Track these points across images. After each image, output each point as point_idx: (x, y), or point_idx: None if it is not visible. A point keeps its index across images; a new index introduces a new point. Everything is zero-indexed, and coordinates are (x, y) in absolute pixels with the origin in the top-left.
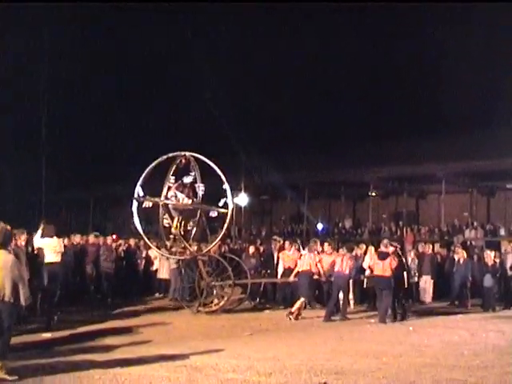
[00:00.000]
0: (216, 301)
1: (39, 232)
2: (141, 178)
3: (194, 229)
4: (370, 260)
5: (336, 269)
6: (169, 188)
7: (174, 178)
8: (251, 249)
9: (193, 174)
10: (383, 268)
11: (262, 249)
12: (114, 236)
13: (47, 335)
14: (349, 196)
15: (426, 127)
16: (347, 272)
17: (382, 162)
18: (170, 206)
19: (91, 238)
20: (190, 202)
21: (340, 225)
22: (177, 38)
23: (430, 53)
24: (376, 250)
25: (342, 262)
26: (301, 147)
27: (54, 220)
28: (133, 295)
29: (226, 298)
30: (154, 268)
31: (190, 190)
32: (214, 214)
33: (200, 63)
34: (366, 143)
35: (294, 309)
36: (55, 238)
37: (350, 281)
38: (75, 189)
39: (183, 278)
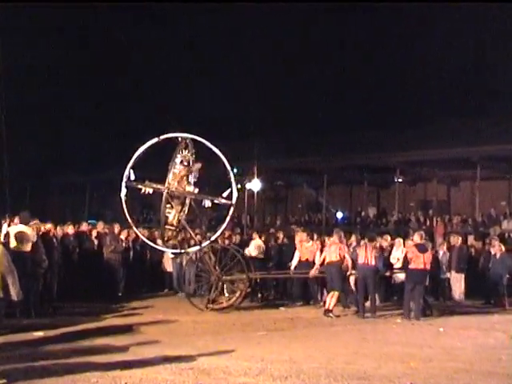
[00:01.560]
0: (226, 297)
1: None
2: (131, 160)
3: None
4: (405, 253)
5: (361, 261)
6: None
7: (180, 161)
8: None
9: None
10: (424, 261)
11: (280, 239)
12: (118, 225)
13: (39, 334)
14: (372, 182)
15: (458, 107)
16: (374, 263)
17: (409, 145)
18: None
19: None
20: (195, 190)
21: (362, 214)
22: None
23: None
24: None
25: (366, 253)
26: (319, 129)
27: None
28: (135, 290)
29: (237, 294)
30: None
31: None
32: (208, 203)
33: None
34: (390, 124)
35: (331, 306)
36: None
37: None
38: (69, 172)
39: (189, 271)
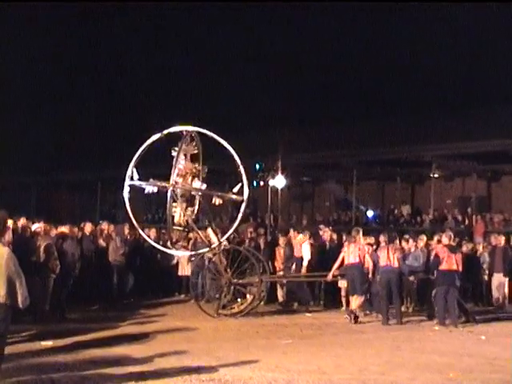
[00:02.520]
0: (239, 301)
1: None
2: (134, 158)
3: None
4: (434, 254)
5: (383, 263)
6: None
7: (184, 157)
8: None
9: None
10: (456, 262)
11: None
12: (127, 225)
13: (48, 343)
14: (406, 178)
15: (498, 95)
16: (397, 265)
17: (446, 137)
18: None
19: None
20: (203, 186)
21: (395, 212)
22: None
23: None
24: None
25: (388, 254)
26: (347, 120)
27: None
28: (150, 295)
29: (250, 299)
30: (175, 263)
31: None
32: (218, 201)
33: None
34: (425, 114)
35: (354, 306)
36: None
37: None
38: (79, 169)
39: (204, 275)
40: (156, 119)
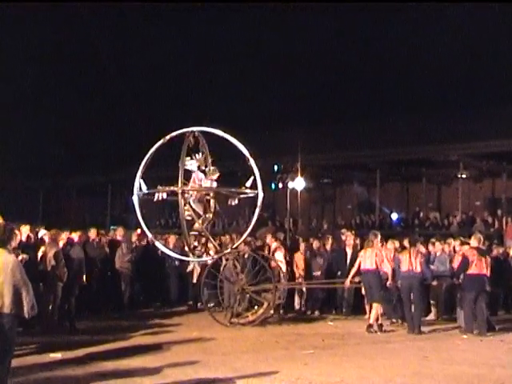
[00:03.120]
0: (254, 309)
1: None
2: (140, 168)
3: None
4: (462, 257)
5: (404, 268)
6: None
7: (189, 158)
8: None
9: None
10: (486, 266)
11: (329, 245)
12: (139, 231)
13: (57, 355)
14: (432, 178)
15: None
16: (419, 270)
17: (474, 136)
18: (191, 196)
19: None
20: (212, 184)
21: (421, 215)
22: None
23: None
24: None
25: (410, 259)
26: (371, 119)
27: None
28: (163, 304)
29: (264, 306)
30: (188, 270)
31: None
32: (234, 201)
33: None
34: (452, 112)
35: (371, 320)
36: None
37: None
38: (88, 172)
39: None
40: (169, 118)
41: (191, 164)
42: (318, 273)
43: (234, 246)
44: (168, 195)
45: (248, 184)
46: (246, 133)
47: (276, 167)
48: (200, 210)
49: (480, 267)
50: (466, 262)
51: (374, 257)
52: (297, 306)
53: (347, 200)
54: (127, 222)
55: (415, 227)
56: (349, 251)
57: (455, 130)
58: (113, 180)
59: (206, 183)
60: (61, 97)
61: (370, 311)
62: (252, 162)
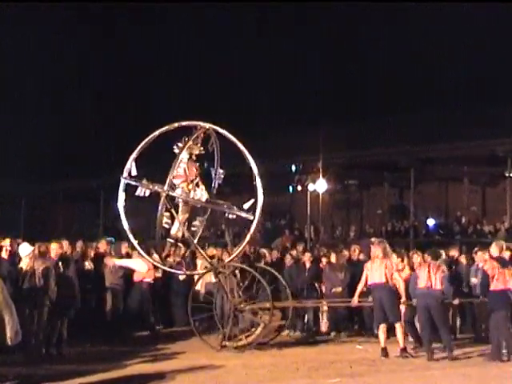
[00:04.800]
0: (248, 331)
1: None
2: (136, 150)
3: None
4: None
5: (421, 284)
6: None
7: (187, 157)
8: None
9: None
10: (508, 279)
11: (355, 256)
12: (136, 241)
13: None
14: (475, 178)
15: None
16: (439, 287)
17: None
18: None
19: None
20: (205, 197)
21: (462, 220)
22: None
23: None
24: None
25: (429, 274)
26: (402, 111)
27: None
28: (166, 325)
29: (260, 328)
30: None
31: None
32: (232, 216)
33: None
34: (496, 102)
35: (401, 342)
36: None
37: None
38: (78, 176)
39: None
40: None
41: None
42: (339, 289)
43: (228, 260)
44: (151, 193)
45: (246, 206)
46: (261, 130)
47: (294, 167)
48: (183, 214)
49: (504, 281)
50: (485, 278)
51: (384, 269)
52: (323, 328)
53: (376, 204)
54: (122, 232)
55: (455, 234)
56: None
57: (501, 123)
58: (106, 185)
59: (198, 193)
60: (47, 91)
61: (385, 334)
62: (259, 183)
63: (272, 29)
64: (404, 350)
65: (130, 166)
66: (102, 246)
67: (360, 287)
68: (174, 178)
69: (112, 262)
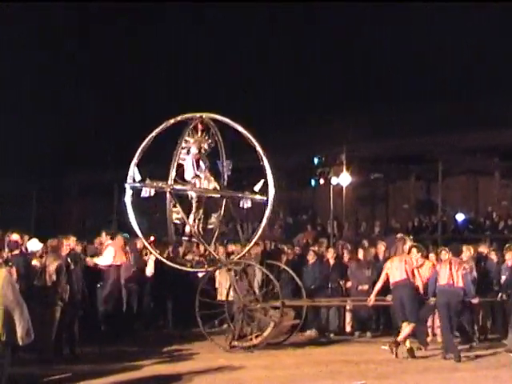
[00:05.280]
0: (257, 331)
1: None
2: (136, 155)
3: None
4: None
5: (442, 281)
6: (179, 166)
7: (186, 151)
8: (360, 253)
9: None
10: None
11: (381, 253)
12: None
13: None
14: (507, 171)
15: None
16: (461, 285)
17: None
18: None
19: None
20: (213, 186)
21: (494, 215)
22: None
23: None
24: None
25: (450, 271)
26: (429, 99)
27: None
28: (183, 325)
29: (270, 327)
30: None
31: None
32: (246, 204)
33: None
34: None
35: (400, 337)
36: None
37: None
38: (90, 169)
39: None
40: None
41: (187, 145)
42: (365, 286)
43: (238, 257)
44: (157, 192)
45: (257, 188)
46: (280, 120)
47: (316, 160)
48: (196, 210)
49: None
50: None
51: (404, 265)
52: (347, 328)
53: (403, 198)
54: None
55: (485, 230)
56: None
57: None
58: (120, 178)
59: (204, 183)
60: (59, 83)
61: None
62: (266, 162)
63: (289, 18)
64: (397, 344)
65: (133, 172)
66: (119, 241)
67: (378, 286)
68: (184, 173)
69: (92, 261)
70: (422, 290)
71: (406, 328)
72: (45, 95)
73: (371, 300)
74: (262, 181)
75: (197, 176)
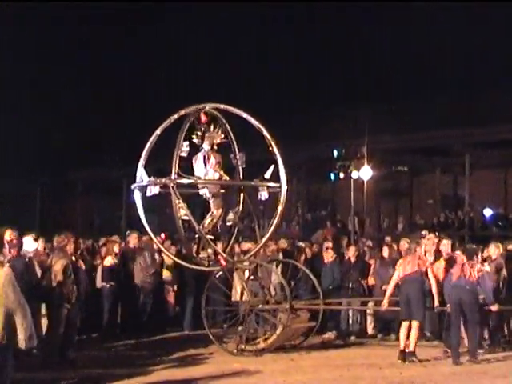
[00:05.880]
0: (265, 334)
1: None
2: (143, 156)
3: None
4: None
5: (455, 278)
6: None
7: (187, 144)
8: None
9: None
10: None
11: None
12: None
13: None
14: None
15: None
16: (474, 281)
17: None
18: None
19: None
20: (216, 175)
21: None
22: None
23: None
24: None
25: (462, 272)
26: (454, 91)
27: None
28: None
29: (279, 329)
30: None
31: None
32: (264, 195)
33: None
34: None
35: (412, 345)
36: None
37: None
38: (98, 165)
39: None
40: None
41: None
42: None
43: (249, 255)
44: (161, 188)
45: (267, 175)
46: (298, 111)
47: (336, 153)
48: (216, 208)
49: None
50: None
51: (417, 260)
52: (369, 330)
53: (427, 193)
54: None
55: None
56: (430, 259)
57: None
58: (129, 174)
59: (209, 174)
60: (59, 81)
61: (407, 333)
62: (275, 149)
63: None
64: (410, 353)
65: (140, 173)
66: (132, 239)
67: (391, 286)
68: (195, 170)
69: None
70: (435, 294)
71: (413, 331)
72: (45, 92)
73: (385, 305)
74: (272, 167)
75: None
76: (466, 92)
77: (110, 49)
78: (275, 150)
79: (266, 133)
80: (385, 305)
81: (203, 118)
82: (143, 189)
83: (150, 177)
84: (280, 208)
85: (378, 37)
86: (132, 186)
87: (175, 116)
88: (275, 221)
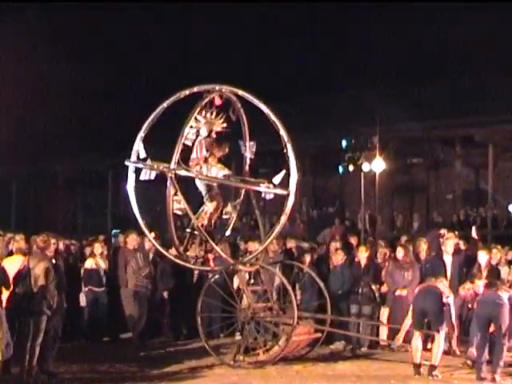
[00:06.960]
0: (266, 344)
1: None
2: (143, 128)
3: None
4: None
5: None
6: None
7: (194, 132)
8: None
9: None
10: None
11: (423, 252)
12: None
13: None
14: None
15: None
16: (507, 295)
17: None
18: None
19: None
20: (223, 173)
21: None
22: None
23: None
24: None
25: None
26: (474, 75)
27: None
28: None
29: (283, 339)
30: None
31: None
32: (268, 195)
33: None
34: None
35: (437, 359)
36: None
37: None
38: (81, 156)
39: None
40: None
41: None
42: (404, 291)
43: (250, 257)
44: (157, 176)
45: (276, 180)
46: (304, 97)
47: (345, 143)
48: (210, 201)
49: None
50: None
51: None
52: (382, 336)
53: (446, 187)
54: (133, 222)
55: None
56: (448, 261)
57: None
58: (115, 166)
59: (213, 170)
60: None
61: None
62: (290, 149)
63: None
64: (434, 367)
65: (138, 146)
66: (131, 240)
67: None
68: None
69: None
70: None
71: (436, 342)
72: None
73: (399, 340)
74: (283, 172)
75: (197, 164)
76: (490, 77)
77: (97, 35)
78: (290, 153)
79: (282, 132)
80: (399, 340)
81: (218, 100)
82: (137, 171)
83: (147, 154)
84: (284, 217)
85: (391, 20)
86: (126, 162)
87: (186, 92)
88: (277, 229)
